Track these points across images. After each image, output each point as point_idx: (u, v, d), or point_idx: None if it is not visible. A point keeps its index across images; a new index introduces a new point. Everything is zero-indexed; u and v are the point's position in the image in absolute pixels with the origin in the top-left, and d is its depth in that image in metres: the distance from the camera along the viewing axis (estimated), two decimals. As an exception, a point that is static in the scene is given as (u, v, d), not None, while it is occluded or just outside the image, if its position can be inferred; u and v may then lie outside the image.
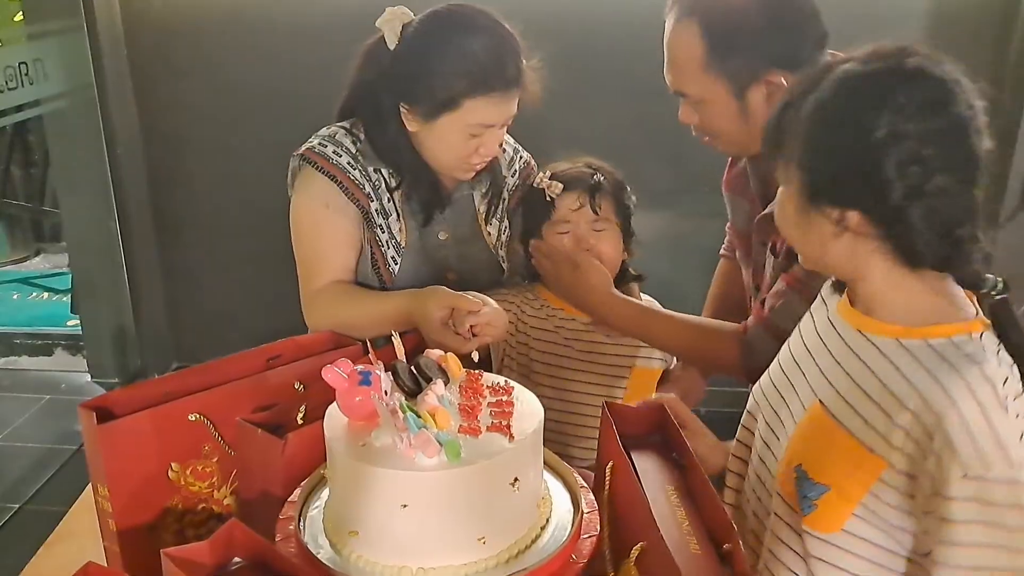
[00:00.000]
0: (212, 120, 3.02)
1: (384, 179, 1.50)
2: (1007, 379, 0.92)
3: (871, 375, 0.97)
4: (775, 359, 1.15)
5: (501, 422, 0.91)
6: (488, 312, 1.32)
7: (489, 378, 1.02)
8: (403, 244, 1.51)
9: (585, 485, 1.01)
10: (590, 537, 0.93)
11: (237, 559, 0.87)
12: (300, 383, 1.25)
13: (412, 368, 0.99)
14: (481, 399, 0.96)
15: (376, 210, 1.49)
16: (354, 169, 1.47)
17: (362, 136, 1.50)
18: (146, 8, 2.93)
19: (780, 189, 1.04)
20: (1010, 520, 0.88)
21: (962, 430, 0.88)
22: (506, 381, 1.00)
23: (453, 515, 0.85)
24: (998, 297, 0.95)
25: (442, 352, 1.03)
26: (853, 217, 0.94)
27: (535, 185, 1.55)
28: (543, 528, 0.93)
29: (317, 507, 0.98)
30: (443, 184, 1.55)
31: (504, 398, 0.97)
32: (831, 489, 0.96)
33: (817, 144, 0.96)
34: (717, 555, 0.89)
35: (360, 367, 0.92)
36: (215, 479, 1.20)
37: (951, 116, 0.91)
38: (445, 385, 0.98)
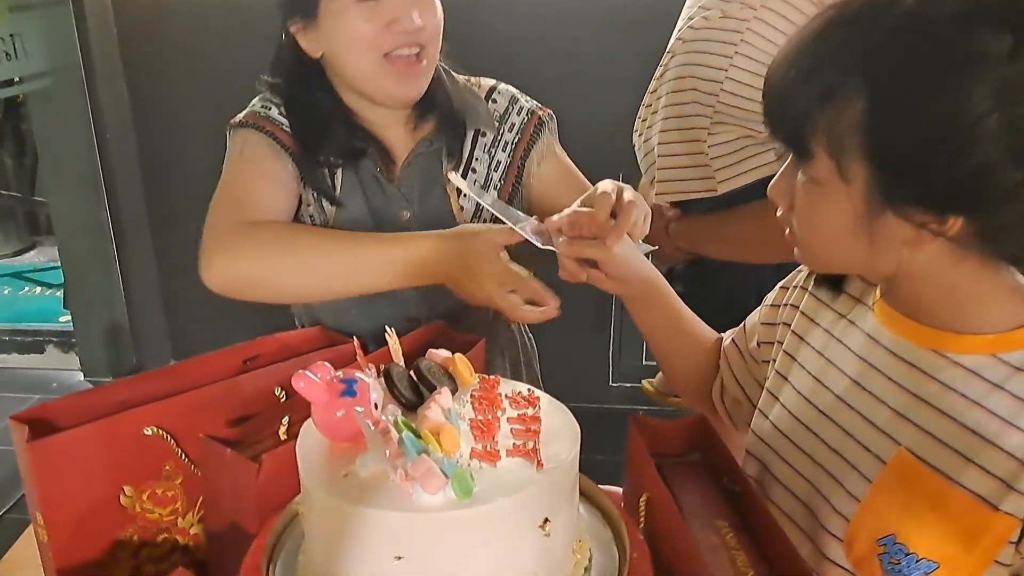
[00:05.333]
0: (208, 101, 2.78)
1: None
2: None
3: (979, 409, 0.75)
4: (791, 393, 0.92)
5: (526, 444, 0.70)
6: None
7: (509, 385, 0.81)
8: (331, 224, 1.25)
9: (631, 520, 0.80)
10: (640, 591, 0.72)
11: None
12: (282, 389, 1.05)
13: (411, 374, 0.79)
14: (499, 413, 0.75)
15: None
16: (285, 118, 1.25)
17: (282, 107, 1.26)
18: (136, -20, 2.74)
19: (800, 181, 0.79)
20: None
21: None
22: (530, 390, 0.79)
23: (464, 569, 0.64)
24: None
25: (448, 353, 0.83)
26: (955, 224, 0.71)
27: None
28: (580, 580, 0.72)
29: (293, 551, 0.78)
30: (392, 143, 1.28)
31: (529, 412, 0.75)
32: (940, 566, 0.75)
33: (905, 134, 0.70)
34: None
35: (342, 373, 0.71)
36: (179, 504, 1.00)
37: None
38: (453, 395, 0.77)
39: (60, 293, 3.62)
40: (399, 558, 0.63)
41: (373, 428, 0.66)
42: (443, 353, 0.83)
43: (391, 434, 0.67)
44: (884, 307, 0.84)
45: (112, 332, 3.16)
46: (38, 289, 4.00)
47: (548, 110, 1.36)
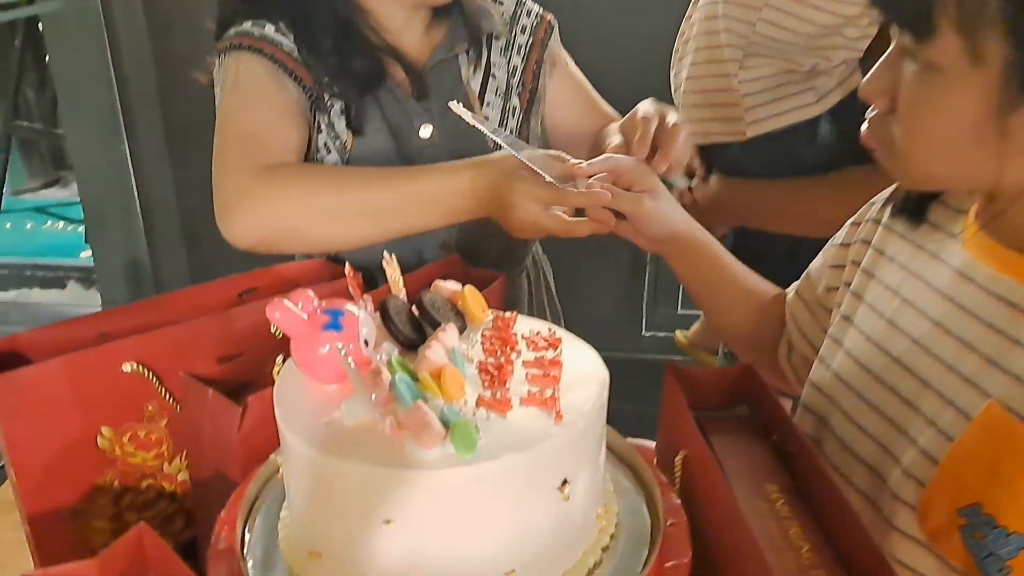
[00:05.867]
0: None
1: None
2: None
3: None
4: (856, 338, 0.80)
5: (543, 392, 0.59)
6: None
7: (527, 324, 0.70)
8: (349, 148, 1.11)
9: (666, 481, 0.69)
10: (675, 565, 0.61)
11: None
12: (278, 326, 0.95)
13: (413, 308, 0.68)
14: (514, 355, 0.64)
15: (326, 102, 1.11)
16: (284, 37, 1.10)
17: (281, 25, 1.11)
18: None
19: (911, 71, 0.66)
20: None
21: None
22: (551, 329, 0.68)
23: (465, 537, 0.54)
24: None
25: (457, 285, 0.72)
26: None
27: None
28: (605, 551, 0.62)
29: (275, 505, 0.68)
30: (409, 52, 1.15)
31: (549, 355, 0.65)
32: None
33: None
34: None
35: (326, 303, 0.60)
36: (164, 448, 0.91)
37: None
38: (460, 334, 0.66)
39: (82, 228, 3.57)
40: (388, 522, 0.53)
41: (354, 367, 0.55)
42: (451, 285, 0.72)
43: (383, 376, 0.56)
44: (981, 237, 0.71)
45: (133, 267, 3.10)
46: (60, 224, 3.95)
47: (551, 15, 1.26)
